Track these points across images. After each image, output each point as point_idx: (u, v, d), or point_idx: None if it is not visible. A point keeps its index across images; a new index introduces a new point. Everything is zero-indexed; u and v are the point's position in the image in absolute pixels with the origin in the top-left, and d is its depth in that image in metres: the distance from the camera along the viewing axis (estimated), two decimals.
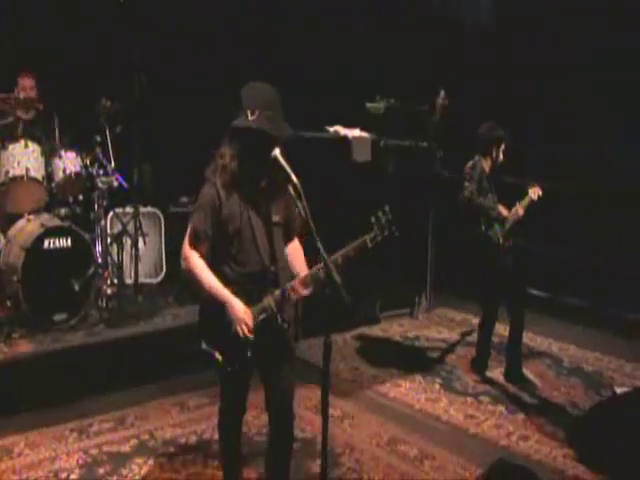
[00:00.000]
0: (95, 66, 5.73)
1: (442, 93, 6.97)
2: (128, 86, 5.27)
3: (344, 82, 6.63)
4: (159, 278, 6.47)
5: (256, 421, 4.51)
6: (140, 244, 5.82)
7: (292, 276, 3.27)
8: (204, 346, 3.24)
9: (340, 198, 5.77)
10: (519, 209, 5.46)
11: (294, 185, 3.05)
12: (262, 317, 3.16)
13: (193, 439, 4.47)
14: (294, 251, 3.45)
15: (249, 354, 3.17)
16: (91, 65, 5.76)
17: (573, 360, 6.05)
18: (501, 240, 5.35)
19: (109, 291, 5.61)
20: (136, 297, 5.77)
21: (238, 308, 3.11)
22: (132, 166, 5.53)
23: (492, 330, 5.60)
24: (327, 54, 6.67)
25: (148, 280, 6.15)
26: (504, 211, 5.45)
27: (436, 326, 6.85)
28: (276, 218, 3.28)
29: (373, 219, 3.20)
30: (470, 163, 5.41)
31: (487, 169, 5.40)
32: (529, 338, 6.55)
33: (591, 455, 4.31)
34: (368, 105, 6.60)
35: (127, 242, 5.78)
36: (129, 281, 5.85)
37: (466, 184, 5.30)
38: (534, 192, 5.48)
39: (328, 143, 6.20)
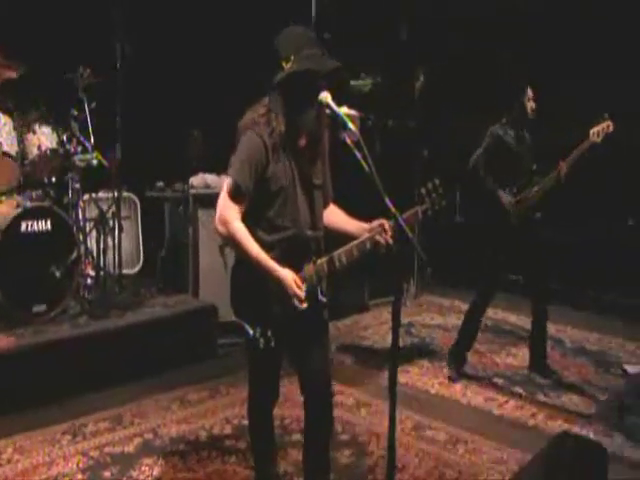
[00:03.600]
0: (72, 31, 5.22)
1: (421, 77, 6.81)
2: (109, 55, 4.85)
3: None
4: (136, 268, 6.03)
5: None
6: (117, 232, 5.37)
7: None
8: (235, 319, 2.95)
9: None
10: (562, 167, 4.71)
11: (351, 133, 2.76)
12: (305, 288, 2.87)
13: (203, 435, 4.12)
14: (336, 212, 3.19)
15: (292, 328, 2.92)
16: (68, 29, 5.24)
17: (574, 340, 5.96)
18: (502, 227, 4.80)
19: (89, 281, 5.15)
20: (118, 287, 5.32)
21: (287, 282, 2.81)
22: (111, 144, 5.11)
23: (480, 323, 5.13)
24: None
25: (125, 271, 5.69)
26: (505, 199, 4.74)
27: (427, 312, 6.72)
28: (317, 181, 3.01)
29: (423, 190, 2.96)
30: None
31: (512, 133, 4.82)
32: (522, 321, 6.45)
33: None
34: (353, 83, 6.35)
35: (104, 229, 5.32)
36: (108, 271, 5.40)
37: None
38: (596, 133, 4.61)
39: None
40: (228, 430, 4.17)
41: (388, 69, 6.70)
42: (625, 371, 5.24)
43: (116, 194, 5.20)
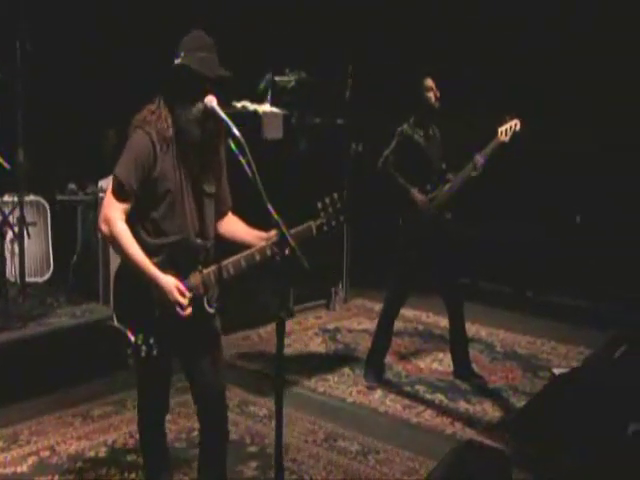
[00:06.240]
0: None
1: (350, 69, 6.86)
2: (9, 52, 4.80)
3: (250, 54, 6.35)
4: (46, 276, 5.96)
5: (173, 426, 4.23)
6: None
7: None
8: (116, 324, 2.96)
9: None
10: (477, 159, 4.79)
11: (236, 138, 2.80)
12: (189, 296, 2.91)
13: (103, 451, 4.12)
14: (234, 221, 3.25)
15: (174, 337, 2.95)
16: None
17: (505, 344, 6.08)
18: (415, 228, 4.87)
19: None
20: (22, 297, 5.26)
21: (169, 288, 2.85)
22: (14, 146, 5.07)
23: (392, 325, 5.20)
24: (232, 24, 6.37)
25: (33, 279, 5.64)
26: (417, 197, 4.82)
27: (355, 317, 6.77)
28: (209, 189, 3.06)
29: (320, 205, 3.03)
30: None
31: (421, 131, 4.90)
32: None
33: (539, 442, 4.25)
34: (277, 79, 6.37)
35: (7, 235, 5.27)
36: (11, 280, 5.35)
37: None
38: (503, 132, 4.79)
39: (235, 119, 5.93)
40: (131, 445, 4.16)
41: (316, 65, 6.73)
42: (553, 374, 5.37)
43: (19, 198, 5.15)
